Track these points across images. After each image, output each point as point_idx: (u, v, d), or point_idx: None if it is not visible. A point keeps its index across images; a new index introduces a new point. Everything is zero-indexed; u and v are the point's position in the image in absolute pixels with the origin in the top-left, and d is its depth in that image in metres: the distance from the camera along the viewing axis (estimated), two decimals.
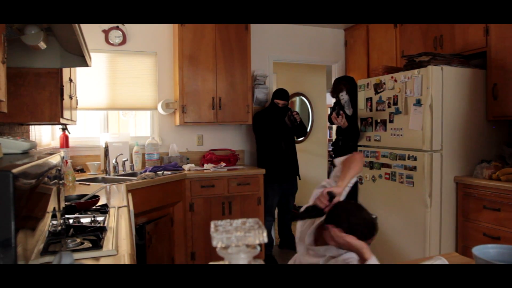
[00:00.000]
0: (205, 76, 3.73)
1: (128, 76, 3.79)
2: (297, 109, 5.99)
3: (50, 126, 3.38)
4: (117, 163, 3.39)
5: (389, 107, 3.19)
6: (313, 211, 1.51)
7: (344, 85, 3.73)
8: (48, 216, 1.15)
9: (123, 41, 3.71)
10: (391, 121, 3.18)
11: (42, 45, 1.73)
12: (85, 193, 2.07)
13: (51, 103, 2.21)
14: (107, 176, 3.25)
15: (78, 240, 1.32)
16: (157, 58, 3.89)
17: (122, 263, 1.16)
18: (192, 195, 3.38)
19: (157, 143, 3.78)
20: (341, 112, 3.50)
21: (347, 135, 3.64)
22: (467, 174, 2.96)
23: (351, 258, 1.47)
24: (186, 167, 3.59)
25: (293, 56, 4.51)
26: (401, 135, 3.08)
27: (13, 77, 2.04)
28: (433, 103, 2.82)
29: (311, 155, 5.84)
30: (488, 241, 2.60)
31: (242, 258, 0.77)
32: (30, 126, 2.75)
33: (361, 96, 3.53)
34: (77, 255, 1.17)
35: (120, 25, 3.69)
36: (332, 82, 4.03)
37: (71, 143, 3.46)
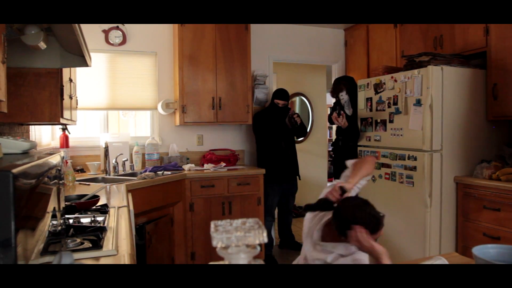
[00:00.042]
0: (205, 76, 3.73)
1: (128, 76, 3.79)
2: (297, 109, 5.99)
3: (50, 126, 3.38)
4: (117, 163, 3.39)
5: (389, 107, 3.19)
6: (324, 204, 1.55)
7: (344, 85, 3.73)
8: (48, 216, 1.15)
9: (123, 41, 3.71)
10: (391, 121, 3.18)
11: (42, 45, 1.73)
12: (85, 193, 2.07)
13: (51, 103, 2.20)
14: (107, 176, 3.25)
15: (78, 240, 1.32)
16: (157, 58, 3.89)
17: (122, 263, 1.16)
18: (192, 195, 3.38)
19: (157, 143, 3.78)
20: (342, 112, 3.50)
21: (347, 135, 3.64)
22: (467, 174, 2.96)
23: (362, 260, 1.48)
24: (186, 167, 3.59)
25: (293, 56, 4.51)
26: (401, 135, 3.08)
27: (13, 77, 2.04)
28: (433, 103, 2.82)
29: (311, 155, 5.84)
30: (488, 241, 2.60)
31: (242, 258, 0.77)
32: (30, 126, 2.75)
33: (361, 96, 3.53)
34: (77, 255, 1.17)
35: (120, 25, 3.69)
36: (332, 82, 4.03)
37: (71, 143, 3.46)
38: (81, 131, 3.78)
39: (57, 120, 2.25)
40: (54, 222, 1.26)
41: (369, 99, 3.42)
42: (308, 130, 5.75)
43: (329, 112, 3.97)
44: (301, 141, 5.75)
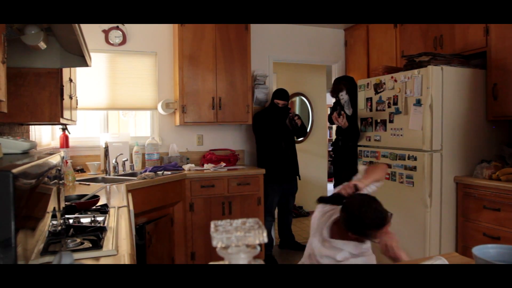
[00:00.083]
0: (205, 76, 3.73)
1: (128, 76, 3.79)
2: (297, 109, 5.99)
3: (50, 126, 3.38)
4: (117, 163, 3.39)
5: (389, 107, 3.19)
6: (336, 198, 1.65)
7: (344, 85, 3.74)
8: (48, 216, 1.15)
9: (123, 41, 3.71)
10: (391, 121, 3.18)
11: (42, 45, 1.73)
12: (85, 193, 2.07)
13: (51, 103, 2.20)
14: (107, 176, 3.25)
15: (78, 240, 1.32)
16: (157, 58, 3.89)
17: (122, 263, 1.16)
18: (192, 195, 3.38)
19: (157, 143, 3.78)
20: (342, 112, 3.50)
21: (347, 135, 3.64)
22: (467, 174, 2.96)
23: (373, 262, 1.52)
24: (186, 167, 3.59)
25: (293, 56, 4.51)
26: (401, 135, 3.08)
27: (13, 77, 2.04)
28: (433, 103, 2.82)
29: (311, 155, 5.84)
30: (488, 241, 2.60)
31: (242, 258, 0.77)
32: (30, 126, 2.75)
33: (361, 96, 3.53)
34: (77, 255, 1.17)
35: (120, 25, 3.69)
36: (332, 82, 4.03)
37: (71, 143, 3.46)
38: (81, 131, 3.78)
39: (57, 120, 2.25)
40: (54, 222, 1.26)
41: (369, 99, 3.42)
42: (308, 130, 5.75)
43: (329, 112, 3.97)
44: (301, 141, 5.75)
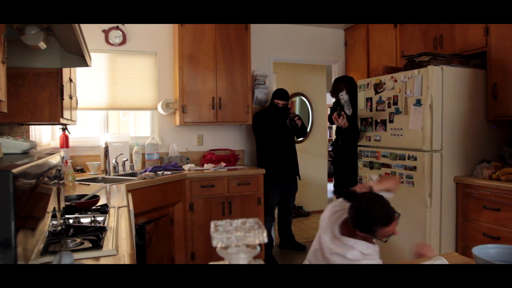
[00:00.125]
0: (205, 76, 3.73)
1: (128, 76, 3.79)
2: (297, 109, 5.99)
3: (50, 126, 3.38)
4: (117, 163, 3.39)
5: (389, 107, 3.19)
6: (350, 194, 1.72)
7: (344, 84, 3.73)
8: (48, 216, 1.15)
9: (123, 41, 3.71)
10: (391, 121, 3.18)
11: (42, 45, 1.73)
12: (85, 193, 2.07)
13: (51, 103, 2.20)
14: (107, 176, 3.25)
15: (78, 240, 1.32)
16: (157, 58, 3.89)
17: (122, 263, 1.16)
18: (192, 195, 3.38)
19: (157, 143, 3.78)
20: (342, 113, 3.50)
21: (347, 135, 3.64)
22: (467, 174, 2.96)
23: None
24: (186, 167, 3.59)
25: (293, 56, 4.51)
26: (401, 135, 3.08)
27: (13, 77, 2.04)
28: (433, 103, 2.82)
29: (311, 155, 5.84)
30: (488, 241, 2.60)
31: (242, 258, 0.77)
32: (30, 126, 2.75)
33: (361, 96, 3.53)
34: (77, 255, 1.17)
35: (120, 25, 3.69)
36: (332, 82, 4.03)
37: (71, 143, 3.46)
38: (81, 131, 3.78)
39: (57, 120, 2.25)
40: (54, 222, 1.26)
41: (369, 99, 3.42)
42: (308, 130, 5.75)
43: (329, 112, 3.97)
44: (301, 141, 5.75)
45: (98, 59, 3.59)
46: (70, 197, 1.98)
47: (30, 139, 2.72)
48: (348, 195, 1.71)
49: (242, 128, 4.25)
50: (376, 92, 3.33)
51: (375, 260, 1.61)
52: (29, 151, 1.60)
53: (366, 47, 4.26)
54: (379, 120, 3.31)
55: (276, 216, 4.23)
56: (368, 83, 3.44)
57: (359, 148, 3.57)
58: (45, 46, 1.77)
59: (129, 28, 3.74)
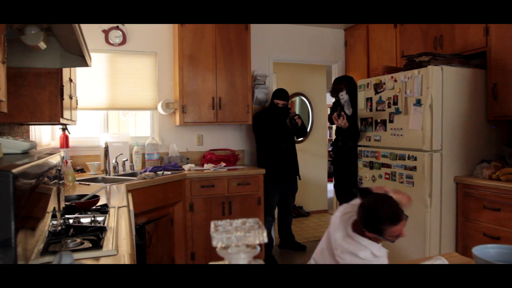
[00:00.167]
0: (205, 76, 3.73)
1: (128, 76, 3.79)
2: (297, 109, 5.99)
3: (50, 126, 3.38)
4: (117, 163, 3.39)
5: (389, 107, 3.19)
6: (366, 192, 1.76)
7: (344, 84, 3.73)
8: (48, 216, 1.15)
9: (123, 41, 3.71)
10: (391, 121, 3.18)
11: (42, 45, 1.73)
12: (85, 193, 2.07)
13: (51, 103, 2.20)
14: (107, 176, 3.25)
15: (78, 240, 1.32)
16: (157, 58, 3.89)
17: (122, 263, 1.16)
18: (192, 195, 3.38)
19: (157, 143, 3.78)
20: (342, 113, 3.50)
21: (347, 135, 3.64)
22: (467, 174, 2.96)
23: None
24: (186, 167, 3.59)
25: (293, 56, 4.51)
26: (401, 135, 3.08)
27: (13, 77, 2.04)
28: (433, 103, 2.82)
29: (311, 155, 5.84)
30: (488, 241, 2.60)
31: (242, 258, 0.77)
32: (30, 126, 2.75)
33: (361, 96, 3.53)
34: (77, 255, 1.17)
35: (120, 25, 3.69)
36: (332, 82, 4.03)
37: (71, 143, 3.46)
38: (81, 131, 3.78)
39: (57, 120, 2.25)
40: (54, 222, 1.26)
41: (369, 99, 3.42)
42: (308, 130, 5.75)
43: (329, 112, 3.97)
44: (301, 141, 5.75)
45: (98, 59, 3.59)
46: (70, 197, 1.98)
47: (30, 139, 2.72)
48: (363, 192, 1.75)
49: (242, 128, 4.25)
50: (376, 92, 3.33)
51: (385, 263, 1.61)
52: (29, 151, 1.60)
53: (366, 47, 4.26)
54: (379, 120, 3.31)
55: (276, 216, 4.23)
56: (368, 83, 3.44)
57: (359, 148, 3.57)
58: (45, 46, 1.77)
59: (129, 28, 3.74)
